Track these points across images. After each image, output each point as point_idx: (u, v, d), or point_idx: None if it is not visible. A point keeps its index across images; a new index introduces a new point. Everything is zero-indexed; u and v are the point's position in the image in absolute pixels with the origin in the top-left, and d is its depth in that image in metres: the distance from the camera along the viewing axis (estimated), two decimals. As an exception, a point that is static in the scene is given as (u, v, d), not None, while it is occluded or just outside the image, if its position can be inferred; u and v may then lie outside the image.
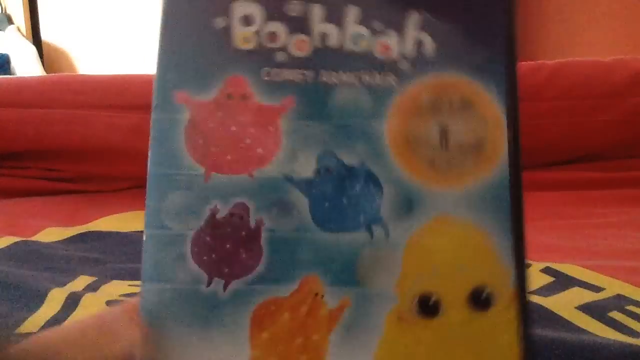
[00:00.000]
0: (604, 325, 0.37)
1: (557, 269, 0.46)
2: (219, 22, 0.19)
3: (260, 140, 0.19)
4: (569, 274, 0.45)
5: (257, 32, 0.19)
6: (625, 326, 0.36)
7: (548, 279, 0.45)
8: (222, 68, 0.19)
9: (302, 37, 0.19)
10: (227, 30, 0.18)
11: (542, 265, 0.47)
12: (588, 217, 0.65)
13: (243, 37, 0.19)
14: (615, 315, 0.38)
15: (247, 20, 0.19)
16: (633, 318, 0.38)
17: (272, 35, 0.19)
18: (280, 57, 0.19)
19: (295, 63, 0.19)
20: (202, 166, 0.19)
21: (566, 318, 0.37)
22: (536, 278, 0.45)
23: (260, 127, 0.19)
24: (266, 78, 0.19)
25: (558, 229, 0.60)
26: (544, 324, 0.36)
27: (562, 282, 0.44)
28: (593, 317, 0.38)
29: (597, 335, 0.35)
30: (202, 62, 0.19)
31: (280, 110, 0.19)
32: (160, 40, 0.19)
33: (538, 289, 0.43)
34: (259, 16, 0.19)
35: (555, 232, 0.59)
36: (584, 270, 0.46)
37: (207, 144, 0.19)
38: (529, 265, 0.49)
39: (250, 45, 0.19)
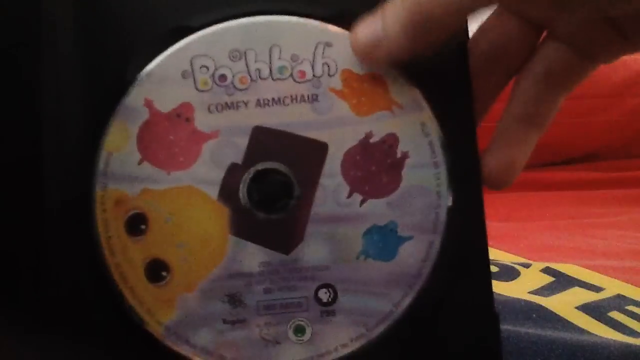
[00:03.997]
0: (604, 325, 0.37)
1: (557, 269, 0.46)
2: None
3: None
4: (569, 274, 0.45)
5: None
6: (625, 326, 0.36)
7: (548, 279, 0.45)
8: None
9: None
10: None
11: (542, 265, 0.47)
12: (588, 217, 0.65)
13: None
14: (615, 315, 0.38)
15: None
16: (633, 318, 0.37)
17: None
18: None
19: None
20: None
21: (566, 318, 0.37)
22: (536, 278, 0.45)
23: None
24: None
25: (558, 229, 0.60)
26: (544, 324, 0.36)
27: (562, 282, 0.44)
28: (593, 317, 0.38)
29: (597, 335, 0.35)
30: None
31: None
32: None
33: (538, 289, 0.43)
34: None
35: (555, 232, 0.59)
36: (584, 270, 0.46)
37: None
38: (528, 265, 0.49)
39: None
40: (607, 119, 0.80)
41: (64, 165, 0.22)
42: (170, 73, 0.22)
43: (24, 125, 0.22)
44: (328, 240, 0.22)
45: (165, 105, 0.22)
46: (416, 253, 0.22)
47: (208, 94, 0.22)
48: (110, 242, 0.22)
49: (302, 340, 0.22)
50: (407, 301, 0.22)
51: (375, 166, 0.22)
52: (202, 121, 0.22)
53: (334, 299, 0.22)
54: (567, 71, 0.24)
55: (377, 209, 0.22)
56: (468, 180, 0.22)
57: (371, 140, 0.22)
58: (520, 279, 0.45)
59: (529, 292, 0.42)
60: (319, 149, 0.22)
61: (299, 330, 0.22)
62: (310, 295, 0.22)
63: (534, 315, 0.37)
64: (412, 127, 0.22)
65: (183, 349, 0.21)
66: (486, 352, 0.22)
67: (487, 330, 0.22)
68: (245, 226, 0.22)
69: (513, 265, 0.48)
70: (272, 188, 0.22)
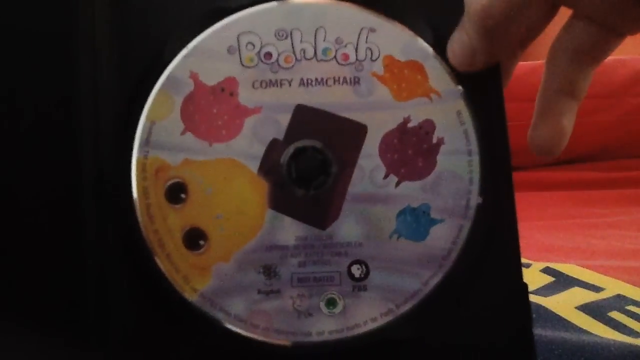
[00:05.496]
0: (604, 325, 0.37)
1: (557, 269, 0.46)
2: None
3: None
4: (569, 274, 0.45)
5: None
6: (625, 326, 0.37)
7: (548, 279, 0.45)
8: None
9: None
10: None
11: (542, 265, 0.47)
12: (588, 217, 0.65)
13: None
14: (615, 315, 0.38)
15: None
16: (633, 318, 0.38)
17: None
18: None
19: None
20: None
21: (566, 318, 0.37)
22: (536, 278, 0.45)
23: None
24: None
25: (558, 229, 0.60)
26: (544, 324, 0.36)
27: (562, 282, 0.44)
28: (593, 317, 0.38)
29: (597, 335, 0.35)
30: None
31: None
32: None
33: (538, 289, 0.43)
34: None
35: (555, 232, 0.59)
36: (584, 270, 0.46)
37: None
38: (528, 265, 0.49)
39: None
40: (607, 119, 0.80)
41: (103, 131, 0.23)
42: (216, 48, 0.23)
43: (63, 92, 0.23)
44: (363, 219, 0.23)
45: (210, 78, 0.23)
46: (447, 235, 0.23)
47: (253, 70, 0.23)
48: (150, 209, 0.22)
49: (334, 312, 0.22)
50: (435, 281, 0.22)
51: (412, 150, 0.23)
52: (246, 96, 0.23)
53: (366, 274, 0.22)
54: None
55: (412, 191, 0.23)
56: (500, 168, 0.23)
57: (409, 125, 0.23)
58: (520, 279, 0.45)
59: (529, 292, 0.42)
60: (359, 131, 0.23)
61: (331, 303, 0.22)
62: (343, 270, 0.22)
63: (534, 315, 0.37)
64: (448, 115, 0.23)
65: (217, 316, 0.22)
66: (517, 322, 0.23)
67: (516, 303, 0.23)
68: (283, 200, 0.23)
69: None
70: (311, 165, 0.23)
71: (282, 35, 0.23)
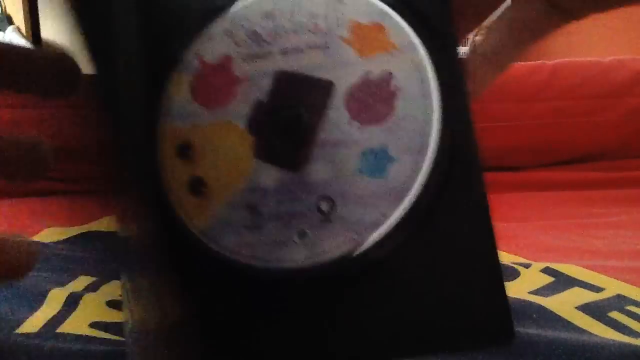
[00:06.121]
0: (604, 325, 0.37)
1: (557, 269, 0.46)
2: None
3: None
4: (569, 274, 0.46)
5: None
6: (625, 326, 0.37)
7: (548, 279, 0.45)
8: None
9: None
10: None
11: (542, 265, 0.47)
12: (588, 217, 0.65)
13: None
14: (615, 315, 0.38)
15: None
16: (633, 318, 0.38)
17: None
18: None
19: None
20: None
21: (566, 318, 0.38)
22: (536, 278, 0.45)
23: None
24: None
25: (558, 229, 0.60)
26: (544, 324, 0.36)
27: (562, 282, 0.44)
28: (593, 317, 0.38)
29: (597, 335, 0.35)
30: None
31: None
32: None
33: (538, 289, 0.43)
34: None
35: (555, 232, 0.59)
36: (584, 270, 0.46)
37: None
38: (528, 265, 0.49)
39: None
40: (607, 119, 0.80)
41: (132, 105, 0.28)
42: (216, 33, 0.28)
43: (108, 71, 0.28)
44: (330, 161, 0.27)
45: (212, 58, 0.28)
46: (404, 171, 0.26)
47: (244, 47, 0.28)
48: (164, 162, 0.28)
49: (305, 243, 0.26)
50: (395, 213, 0.26)
51: (373, 99, 0.27)
52: (238, 69, 0.28)
53: (332, 209, 0.26)
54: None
55: (373, 135, 0.26)
56: (459, 108, 0.26)
57: (370, 77, 0.27)
58: (520, 279, 0.45)
59: (529, 292, 0.42)
60: (326, 86, 0.27)
61: (303, 235, 0.26)
62: (313, 206, 0.26)
63: (534, 315, 0.37)
64: (406, 65, 0.27)
65: (213, 247, 0.27)
66: (481, 247, 0.26)
67: (480, 228, 0.26)
68: (265, 150, 0.27)
69: (513, 265, 0.48)
70: (288, 119, 0.27)
71: (268, 17, 0.28)
